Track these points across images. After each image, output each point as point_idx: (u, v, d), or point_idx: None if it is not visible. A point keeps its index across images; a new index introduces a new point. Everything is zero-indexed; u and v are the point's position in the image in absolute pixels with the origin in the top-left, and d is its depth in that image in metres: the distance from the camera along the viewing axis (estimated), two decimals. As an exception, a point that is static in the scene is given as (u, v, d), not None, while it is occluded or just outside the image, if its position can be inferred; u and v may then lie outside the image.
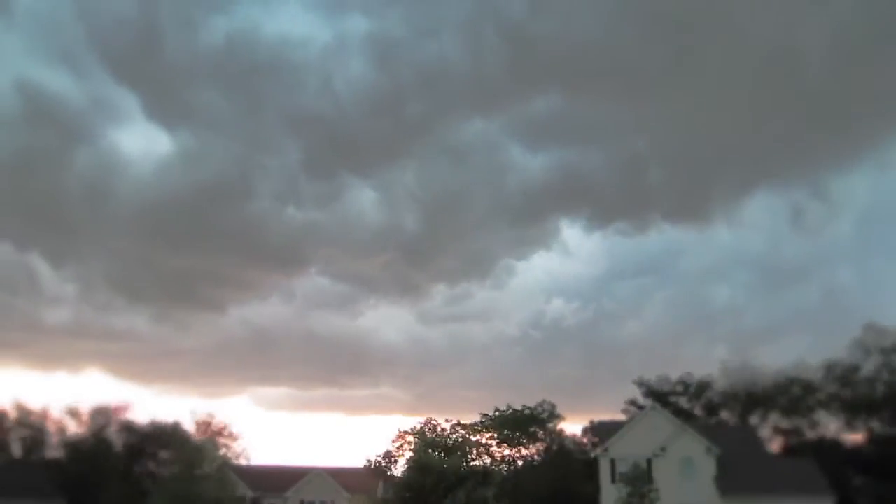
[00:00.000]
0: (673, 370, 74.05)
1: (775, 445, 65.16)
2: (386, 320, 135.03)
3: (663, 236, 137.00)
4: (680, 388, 73.03)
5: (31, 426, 71.26)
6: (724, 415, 70.92)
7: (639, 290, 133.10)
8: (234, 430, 61.82)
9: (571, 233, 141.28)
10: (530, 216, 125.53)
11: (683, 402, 72.33)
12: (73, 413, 71.32)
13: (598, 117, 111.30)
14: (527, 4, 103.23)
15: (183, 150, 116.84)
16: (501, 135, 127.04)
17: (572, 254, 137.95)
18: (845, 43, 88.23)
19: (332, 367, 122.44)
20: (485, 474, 19.21)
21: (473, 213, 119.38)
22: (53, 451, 71.68)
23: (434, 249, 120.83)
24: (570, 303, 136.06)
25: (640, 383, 73.90)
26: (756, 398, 68.70)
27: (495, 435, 73.07)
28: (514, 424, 71.80)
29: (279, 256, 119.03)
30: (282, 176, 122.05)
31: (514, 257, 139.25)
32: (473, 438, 73.48)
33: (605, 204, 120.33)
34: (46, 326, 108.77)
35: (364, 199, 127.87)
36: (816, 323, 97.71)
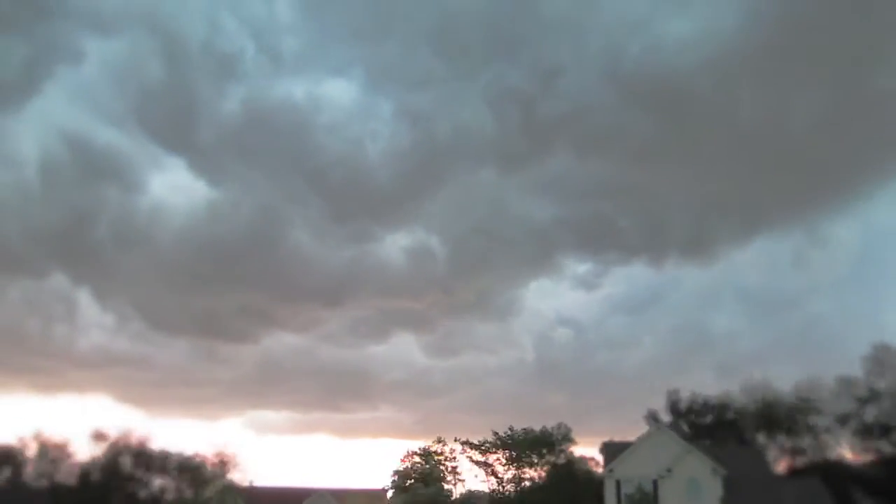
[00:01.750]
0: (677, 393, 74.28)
1: (781, 466, 64.79)
2: (394, 351, 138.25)
3: (668, 275, 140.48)
4: (699, 406, 72.75)
5: (48, 454, 71.57)
6: (733, 432, 70.56)
7: (645, 321, 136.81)
8: (240, 452, 61.94)
9: (577, 270, 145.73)
10: (540, 256, 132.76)
11: (688, 423, 72.10)
12: (98, 437, 71.64)
13: (605, 175, 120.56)
14: (540, 85, 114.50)
15: (220, 200, 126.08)
16: (516, 188, 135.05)
17: (578, 288, 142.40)
18: (831, 112, 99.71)
19: (335, 392, 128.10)
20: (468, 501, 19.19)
21: (488, 256, 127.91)
22: (64, 477, 71.93)
23: (450, 286, 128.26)
24: (576, 333, 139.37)
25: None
26: (773, 417, 68.22)
27: (502, 456, 72.93)
28: (526, 445, 71.68)
29: (303, 295, 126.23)
30: (309, 224, 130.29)
31: (521, 292, 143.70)
32: (480, 458, 73.34)
33: (613, 246, 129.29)
34: (73, 354, 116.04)
35: (387, 245, 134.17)
36: (809, 347, 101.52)
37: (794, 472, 61.80)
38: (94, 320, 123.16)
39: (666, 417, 70.53)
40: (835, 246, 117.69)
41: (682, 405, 72.69)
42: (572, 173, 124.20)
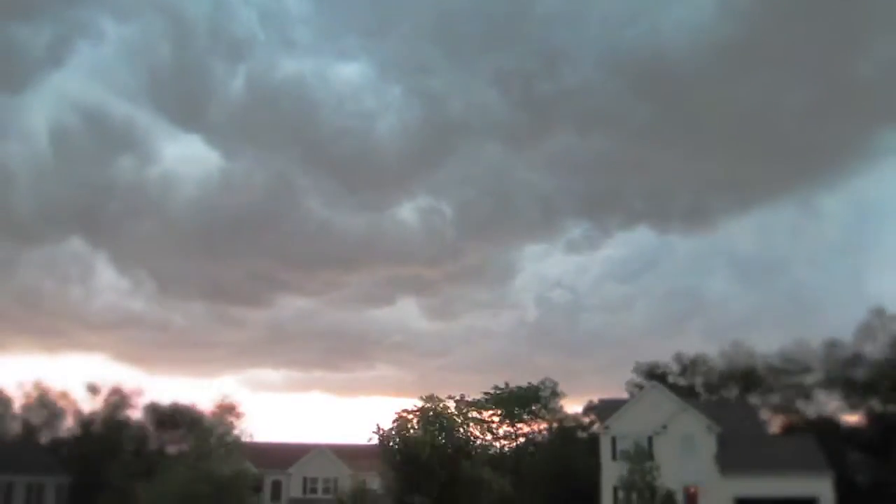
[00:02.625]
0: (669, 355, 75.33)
1: (775, 424, 65.69)
2: (396, 314, 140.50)
3: (665, 242, 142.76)
4: (677, 369, 73.57)
5: (47, 405, 72.43)
6: (724, 394, 71.40)
7: (640, 287, 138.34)
8: (241, 408, 62.40)
9: (576, 236, 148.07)
10: (542, 223, 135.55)
11: (682, 381, 72.87)
12: (93, 390, 72.62)
13: (606, 151, 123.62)
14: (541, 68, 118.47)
15: (233, 171, 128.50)
16: (520, 161, 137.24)
17: (576, 253, 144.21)
18: (819, 97, 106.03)
19: (334, 352, 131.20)
20: (475, 447, 19.54)
21: (491, 224, 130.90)
22: (65, 430, 72.90)
23: (454, 253, 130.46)
24: (572, 297, 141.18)
25: (639, 369, 74.41)
26: (754, 378, 69.15)
27: (497, 412, 73.52)
28: (515, 401, 72.19)
29: (313, 261, 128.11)
30: (320, 194, 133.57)
31: (522, 257, 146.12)
32: (474, 415, 73.94)
33: (613, 215, 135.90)
34: (83, 316, 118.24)
35: (395, 214, 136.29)
36: (799, 312, 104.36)
37: (788, 430, 62.65)
38: (109, 284, 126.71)
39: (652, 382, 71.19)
40: (826, 218, 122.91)
41: (665, 368, 73.42)
42: (574, 149, 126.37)
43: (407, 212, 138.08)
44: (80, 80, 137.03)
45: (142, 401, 73.69)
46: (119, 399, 72.73)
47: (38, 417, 72.06)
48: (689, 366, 73.66)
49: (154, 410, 73.32)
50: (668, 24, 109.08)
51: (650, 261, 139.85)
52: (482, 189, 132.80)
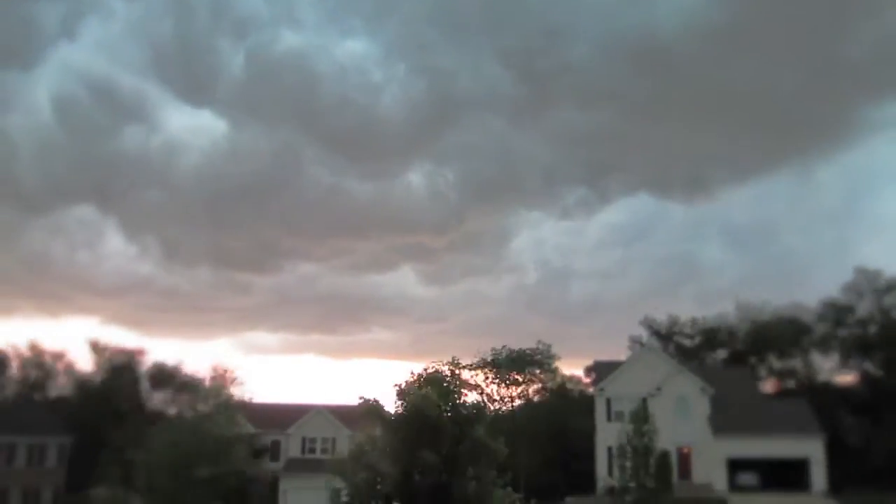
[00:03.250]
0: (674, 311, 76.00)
1: (769, 386, 66.32)
2: (396, 279, 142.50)
3: (665, 210, 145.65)
4: (683, 329, 74.12)
5: (42, 366, 73.09)
6: (723, 354, 72.05)
7: (638, 252, 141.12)
8: (238, 369, 63.09)
9: (574, 204, 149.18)
10: (541, 191, 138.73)
11: (686, 341, 73.55)
12: (96, 349, 73.28)
13: (606, 125, 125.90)
14: (543, 39, 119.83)
15: (240, 140, 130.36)
16: (521, 133, 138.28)
17: (574, 220, 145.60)
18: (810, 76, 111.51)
19: (332, 316, 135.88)
20: (476, 412, 19.84)
21: (491, 191, 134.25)
22: (65, 391, 73.65)
23: (454, 220, 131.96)
24: (568, 263, 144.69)
25: (643, 323, 75.13)
26: (756, 336, 69.63)
27: (491, 375, 74.00)
28: (510, 365, 72.63)
29: (318, 229, 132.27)
30: (325, 163, 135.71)
31: (521, 224, 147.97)
32: (470, 378, 74.46)
33: (612, 184, 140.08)
34: (87, 280, 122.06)
35: (397, 184, 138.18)
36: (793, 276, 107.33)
37: (781, 393, 63.26)
38: (117, 250, 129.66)
39: (649, 342, 71.76)
40: (819, 188, 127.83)
41: (662, 328, 74.01)
42: (574, 122, 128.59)
43: (411, 181, 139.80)
44: (89, 54, 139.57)
45: (142, 361, 74.52)
46: (120, 359, 73.46)
47: (38, 378, 72.86)
48: (690, 325, 74.26)
49: (154, 372, 74.10)
50: (663, 6, 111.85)
51: (647, 227, 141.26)
52: (484, 159, 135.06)
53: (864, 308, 64.86)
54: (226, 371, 61.16)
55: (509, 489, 20.86)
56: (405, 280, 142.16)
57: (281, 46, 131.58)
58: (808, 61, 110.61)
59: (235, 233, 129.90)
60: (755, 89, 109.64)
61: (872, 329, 64.20)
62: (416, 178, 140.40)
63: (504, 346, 72.60)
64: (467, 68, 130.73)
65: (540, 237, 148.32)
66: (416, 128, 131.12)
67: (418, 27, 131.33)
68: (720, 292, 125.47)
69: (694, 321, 74.18)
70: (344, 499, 22.20)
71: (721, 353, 72.64)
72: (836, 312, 65.84)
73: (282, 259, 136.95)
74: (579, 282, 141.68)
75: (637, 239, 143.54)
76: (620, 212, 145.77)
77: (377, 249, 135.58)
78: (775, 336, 68.69)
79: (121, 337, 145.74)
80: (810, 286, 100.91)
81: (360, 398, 21.51)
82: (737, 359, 69.54)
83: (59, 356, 74.19)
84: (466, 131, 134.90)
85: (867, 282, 64.29)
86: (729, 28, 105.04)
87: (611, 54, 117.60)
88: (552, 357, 72.58)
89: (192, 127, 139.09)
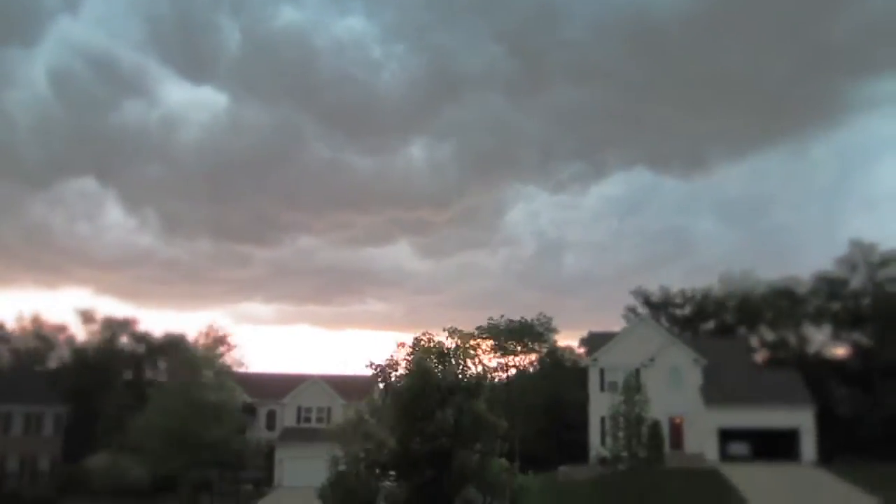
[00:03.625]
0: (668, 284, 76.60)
1: (762, 358, 66.82)
2: (392, 252, 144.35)
3: (662, 184, 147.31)
4: (677, 300, 74.57)
5: (43, 338, 73.36)
6: (715, 324, 72.50)
7: (632, 226, 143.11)
8: (233, 338, 63.11)
9: (571, 179, 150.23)
10: (538, 166, 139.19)
11: (678, 312, 74.00)
12: (87, 318, 73.47)
13: (605, 104, 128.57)
14: (539, 18, 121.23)
15: (240, 115, 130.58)
16: (519, 110, 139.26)
17: (571, 195, 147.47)
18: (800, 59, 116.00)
19: (327, 287, 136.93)
20: (477, 384, 19.93)
21: (490, 168, 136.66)
22: (61, 361, 73.92)
23: (452, 194, 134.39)
24: (563, 236, 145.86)
25: (638, 293, 75.58)
26: (749, 307, 70.10)
27: (489, 344, 74.31)
28: (509, 335, 72.95)
29: (323, 201, 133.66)
30: (325, 138, 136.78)
31: (517, 198, 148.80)
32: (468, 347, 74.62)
33: (609, 159, 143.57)
34: (85, 253, 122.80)
35: (397, 159, 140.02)
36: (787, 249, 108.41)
37: (772, 364, 63.76)
38: (116, 223, 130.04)
39: (643, 313, 72.16)
40: (813, 164, 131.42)
41: (655, 299, 74.48)
42: (571, 100, 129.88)
43: (410, 156, 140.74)
44: (89, 29, 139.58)
45: (134, 330, 74.81)
46: (112, 327, 73.69)
47: (38, 349, 73.18)
48: (687, 296, 74.68)
49: (147, 340, 74.35)
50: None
51: (643, 201, 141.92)
52: (482, 135, 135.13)
53: (857, 281, 65.34)
54: (219, 332, 61.28)
55: (503, 459, 21.12)
56: (401, 253, 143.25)
57: (280, 22, 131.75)
58: (799, 43, 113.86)
59: (235, 206, 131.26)
60: (750, 71, 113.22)
61: (865, 302, 64.65)
62: (414, 152, 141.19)
63: (503, 316, 73.03)
64: (465, 47, 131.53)
65: (535, 210, 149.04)
66: (414, 104, 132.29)
67: (416, 10, 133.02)
68: (714, 265, 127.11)
69: (683, 292, 74.76)
70: (342, 467, 22.43)
71: (711, 325, 73.08)
72: (830, 285, 66.30)
73: (281, 232, 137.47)
74: (574, 254, 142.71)
75: (632, 212, 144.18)
76: (616, 185, 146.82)
77: (375, 223, 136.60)
78: (768, 308, 69.13)
79: (115, 308, 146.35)
80: (802, 260, 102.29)
81: (370, 364, 21.62)
82: (726, 330, 69.99)
83: (60, 328, 74.63)
84: (464, 107, 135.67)
85: (861, 255, 64.64)
86: (722, 12, 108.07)
87: (606, 34, 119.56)
88: (552, 330, 73.09)
89: (192, 101, 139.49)
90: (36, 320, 73.99)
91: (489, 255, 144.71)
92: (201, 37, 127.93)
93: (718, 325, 71.88)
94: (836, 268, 65.97)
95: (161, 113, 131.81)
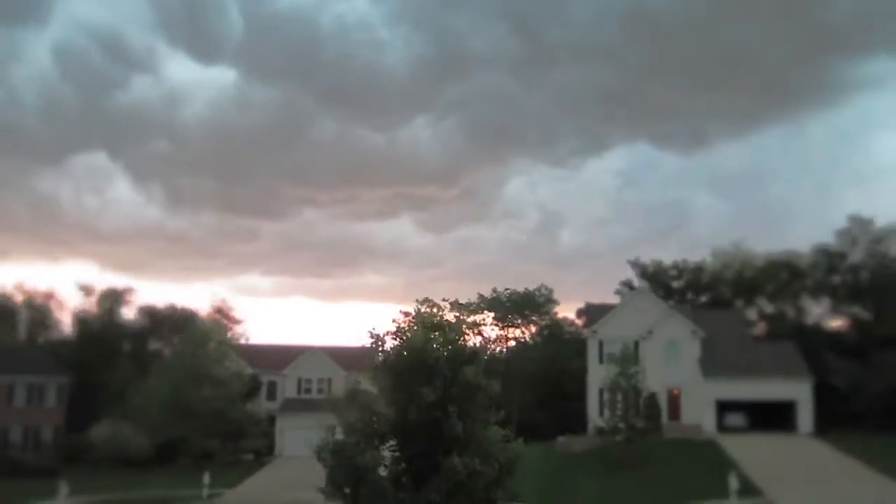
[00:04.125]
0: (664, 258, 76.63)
1: (759, 330, 67.06)
2: (394, 225, 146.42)
3: (667, 160, 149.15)
4: (674, 272, 74.67)
5: (38, 308, 73.54)
6: (710, 297, 72.67)
7: (632, 200, 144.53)
8: (236, 310, 63.63)
9: (572, 153, 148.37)
10: (540, 142, 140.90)
11: (676, 284, 74.12)
12: (86, 290, 73.67)
13: (608, 85, 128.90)
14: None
15: (250, 93, 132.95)
16: (524, 89, 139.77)
17: (573, 170, 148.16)
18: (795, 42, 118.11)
19: (328, 260, 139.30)
20: (472, 353, 20.10)
21: (494, 144, 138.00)
22: (62, 332, 74.24)
23: (456, 170, 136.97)
24: (563, 210, 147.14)
25: (635, 264, 75.66)
26: (745, 281, 70.27)
27: (490, 315, 74.58)
28: (510, 306, 73.24)
29: (325, 178, 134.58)
30: (332, 115, 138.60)
31: (519, 174, 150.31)
32: (468, 318, 74.92)
33: (614, 136, 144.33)
34: (93, 227, 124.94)
35: (400, 136, 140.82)
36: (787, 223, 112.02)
37: (770, 336, 64.00)
38: (124, 197, 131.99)
39: (641, 285, 72.30)
40: (811, 142, 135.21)
41: (650, 271, 74.59)
42: (574, 78, 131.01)
43: (414, 133, 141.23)
44: (96, 7, 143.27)
45: (135, 301, 75.03)
46: (113, 297, 73.88)
47: (44, 321, 73.47)
48: (681, 269, 74.72)
49: (149, 312, 74.61)
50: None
51: (642, 176, 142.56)
52: (485, 112, 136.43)
53: (856, 255, 65.44)
54: (222, 311, 61.66)
55: (497, 427, 21.30)
56: (402, 227, 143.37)
57: (285, 2, 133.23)
58: (797, 24, 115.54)
59: (241, 181, 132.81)
60: (749, 51, 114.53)
61: (864, 275, 64.77)
62: (418, 129, 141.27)
63: (506, 289, 73.29)
64: (469, 26, 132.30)
65: (534, 184, 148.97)
66: (418, 82, 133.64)
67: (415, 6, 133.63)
68: (710, 239, 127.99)
69: (677, 264, 74.82)
70: (338, 437, 22.64)
71: (706, 297, 73.24)
72: (829, 258, 66.41)
73: (286, 206, 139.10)
74: (572, 227, 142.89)
75: (631, 186, 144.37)
76: (616, 160, 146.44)
77: (378, 197, 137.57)
78: (768, 280, 69.23)
79: (117, 280, 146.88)
80: (797, 233, 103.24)
81: (370, 333, 21.76)
82: (722, 303, 70.18)
83: (49, 296, 74.74)
84: (468, 85, 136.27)
85: (861, 229, 64.70)
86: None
87: (609, 14, 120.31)
88: (553, 301, 73.39)
89: (198, 79, 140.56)
90: (19, 286, 73.97)
91: (489, 228, 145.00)
92: (208, 16, 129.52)
93: (714, 297, 72.00)
94: (836, 241, 66.16)
95: (168, 90, 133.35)
